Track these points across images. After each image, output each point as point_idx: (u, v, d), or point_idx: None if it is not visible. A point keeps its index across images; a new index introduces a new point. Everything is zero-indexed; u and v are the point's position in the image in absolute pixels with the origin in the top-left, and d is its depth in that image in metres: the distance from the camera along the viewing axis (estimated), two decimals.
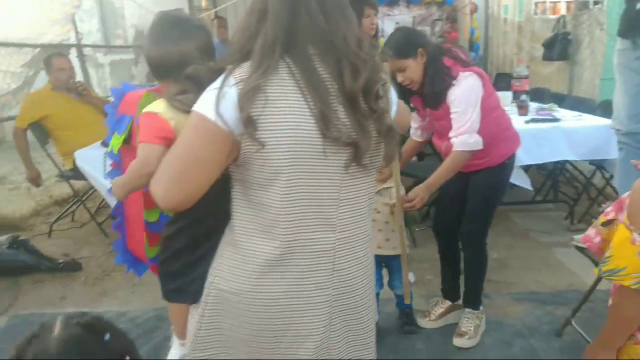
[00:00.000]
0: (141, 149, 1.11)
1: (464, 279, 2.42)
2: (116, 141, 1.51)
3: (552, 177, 4.08)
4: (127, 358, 0.73)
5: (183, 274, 1.15)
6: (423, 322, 2.44)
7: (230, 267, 1.08)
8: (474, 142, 2.01)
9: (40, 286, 2.98)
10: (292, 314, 1.08)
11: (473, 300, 2.37)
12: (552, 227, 3.72)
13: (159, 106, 1.12)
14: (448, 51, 2.06)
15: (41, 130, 3.61)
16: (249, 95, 0.96)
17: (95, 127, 3.61)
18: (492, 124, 2.10)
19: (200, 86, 1.04)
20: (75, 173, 3.60)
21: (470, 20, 6.23)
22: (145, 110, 1.14)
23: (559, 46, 4.58)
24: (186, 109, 1.05)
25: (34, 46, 4.23)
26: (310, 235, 1.06)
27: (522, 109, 3.61)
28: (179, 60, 1.17)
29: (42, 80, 4.31)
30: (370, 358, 1.24)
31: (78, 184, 3.71)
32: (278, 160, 0.99)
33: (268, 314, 1.06)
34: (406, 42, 2.04)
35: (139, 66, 7.05)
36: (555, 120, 3.38)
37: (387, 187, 2.21)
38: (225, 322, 1.11)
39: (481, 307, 2.39)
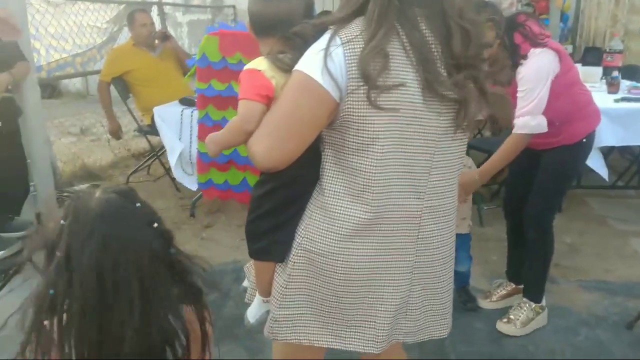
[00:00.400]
0: (242, 106, 1.09)
1: (526, 265, 2.30)
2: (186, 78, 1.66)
3: (638, 161, 3.80)
4: (155, 225, 0.83)
5: (271, 234, 1.17)
6: (483, 303, 2.40)
7: (318, 230, 1.11)
8: (536, 124, 1.90)
9: None
10: (375, 277, 1.12)
11: (533, 291, 2.24)
12: (632, 215, 3.49)
13: (261, 64, 1.09)
14: (520, 25, 1.93)
15: (123, 84, 3.79)
16: (370, 56, 0.96)
17: (174, 85, 3.79)
18: (569, 101, 1.99)
19: (305, 45, 1.04)
20: (153, 128, 3.79)
21: None
22: (247, 66, 1.11)
23: None
24: (288, 69, 1.05)
25: (119, 2, 4.41)
26: (399, 201, 1.08)
27: (613, 87, 3.35)
28: (287, 17, 1.14)
29: (125, 36, 4.52)
30: (446, 329, 1.28)
31: (155, 139, 3.89)
32: (379, 124, 1.00)
33: (351, 276, 1.10)
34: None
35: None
36: None
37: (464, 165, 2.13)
38: (310, 281, 1.14)
39: (543, 302, 2.25)
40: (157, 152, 3.99)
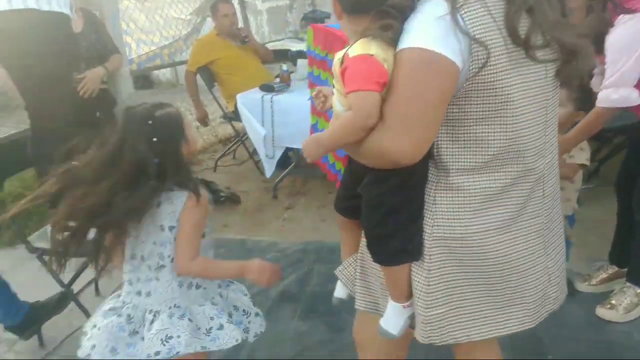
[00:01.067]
0: (361, 98, 0.94)
1: (632, 248, 2.11)
2: None
3: None
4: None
5: (402, 232, 1.06)
6: (582, 286, 2.24)
7: (450, 212, 1.04)
8: (619, 97, 1.72)
9: None
10: (516, 247, 1.07)
11: (638, 275, 2.08)
12: None
13: (369, 47, 0.95)
14: None
15: (208, 73, 3.94)
16: (517, 16, 0.92)
17: (255, 72, 3.89)
18: None
19: (403, 18, 0.95)
20: (237, 115, 3.92)
21: None
22: (355, 53, 0.96)
23: None
24: (395, 46, 0.95)
25: None
26: (527, 164, 1.04)
27: None
28: None
29: (208, 26, 4.69)
30: (565, 292, 1.25)
31: (239, 124, 4.02)
32: (510, 86, 0.96)
33: (495, 251, 1.05)
34: None
35: (293, 12, 7.25)
36: None
37: None
38: (453, 271, 1.07)
39: None
40: (242, 137, 4.13)
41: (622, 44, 1.71)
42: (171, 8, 4.22)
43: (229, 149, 4.45)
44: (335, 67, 1.03)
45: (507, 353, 1.57)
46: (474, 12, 0.91)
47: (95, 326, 1.33)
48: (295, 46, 4.84)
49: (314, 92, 1.30)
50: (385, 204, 1.06)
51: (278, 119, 3.13)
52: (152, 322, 1.30)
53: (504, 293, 1.09)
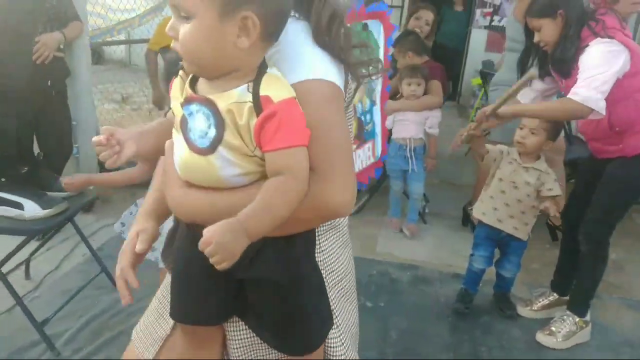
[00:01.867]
0: (298, 156, 0.74)
1: (576, 279, 2.21)
2: None
3: None
4: None
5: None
6: (523, 311, 2.32)
7: (334, 252, 0.98)
8: (590, 96, 1.76)
9: None
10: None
11: (579, 304, 2.16)
12: None
13: (286, 85, 0.76)
14: (593, 19, 1.86)
15: None
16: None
17: None
18: (633, 108, 1.88)
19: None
20: None
21: None
22: (278, 96, 0.73)
23: None
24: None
25: None
26: None
27: None
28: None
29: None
30: None
31: None
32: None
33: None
34: (548, 3, 1.90)
35: None
36: None
37: (537, 169, 2.08)
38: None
39: (588, 317, 2.17)
40: None
41: (595, 60, 1.79)
42: None
43: None
44: (233, 112, 0.73)
45: None
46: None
47: None
48: None
49: (102, 138, 0.85)
50: (311, 280, 0.88)
51: None
52: None
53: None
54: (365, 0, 2.13)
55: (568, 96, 1.82)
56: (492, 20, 6.67)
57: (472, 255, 2.27)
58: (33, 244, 2.21)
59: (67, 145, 2.77)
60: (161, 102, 3.89)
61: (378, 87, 2.13)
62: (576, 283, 2.19)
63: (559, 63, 1.93)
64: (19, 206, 1.82)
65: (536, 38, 1.96)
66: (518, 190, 2.10)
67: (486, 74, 4.63)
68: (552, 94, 2.22)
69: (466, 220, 3.18)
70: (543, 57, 2.02)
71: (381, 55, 2.05)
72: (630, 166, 1.96)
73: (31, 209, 1.82)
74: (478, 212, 2.22)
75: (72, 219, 2.02)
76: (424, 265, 2.69)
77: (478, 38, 6.83)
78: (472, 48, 6.86)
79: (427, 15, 3.56)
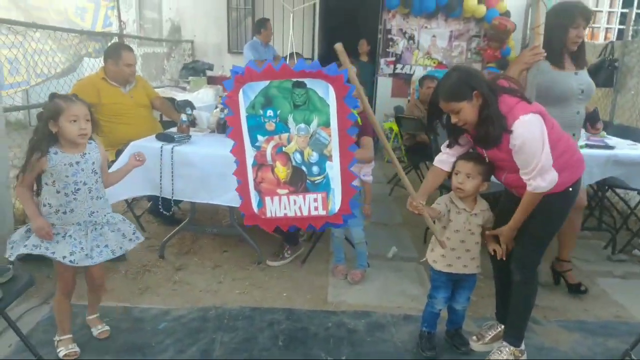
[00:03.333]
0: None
1: (510, 308, 2.31)
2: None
3: (592, 205, 4.04)
4: None
5: None
6: (475, 345, 2.39)
7: None
8: (548, 184, 1.97)
9: (80, 276, 2.92)
10: None
11: (513, 334, 2.25)
12: (592, 255, 3.67)
13: None
14: (505, 89, 2.01)
15: None
16: None
17: (144, 122, 3.63)
18: (556, 155, 2.03)
19: None
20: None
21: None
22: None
23: (605, 73, 4.53)
24: None
25: (80, 32, 4.21)
26: None
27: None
28: None
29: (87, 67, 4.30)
30: None
31: None
32: None
33: None
34: (461, 85, 1.98)
35: (171, 60, 7.05)
36: (609, 147, 3.33)
37: (482, 210, 2.23)
38: None
39: (523, 347, 2.27)
40: None
41: (533, 140, 1.92)
42: (47, 43, 3.79)
43: None
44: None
45: None
46: None
47: None
48: (180, 95, 4.67)
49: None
50: None
51: (179, 171, 2.92)
52: None
53: None
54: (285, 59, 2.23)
55: (532, 192, 2.00)
56: (395, 68, 7.15)
57: (433, 298, 2.31)
58: None
59: None
60: None
61: (333, 144, 2.16)
62: (509, 313, 2.28)
63: (484, 141, 2.02)
64: None
65: (454, 119, 2.03)
66: (474, 235, 2.22)
67: (401, 119, 4.90)
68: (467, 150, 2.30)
69: None
70: (451, 128, 2.13)
71: (332, 114, 2.10)
72: (559, 200, 2.11)
73: None
74: (442, 266, 2.24)
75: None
76: (376, 310, 2.71)
77: (384, 85, 7.28)
78: (379, 94, 7.29)
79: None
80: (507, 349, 2.23)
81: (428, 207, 2.17)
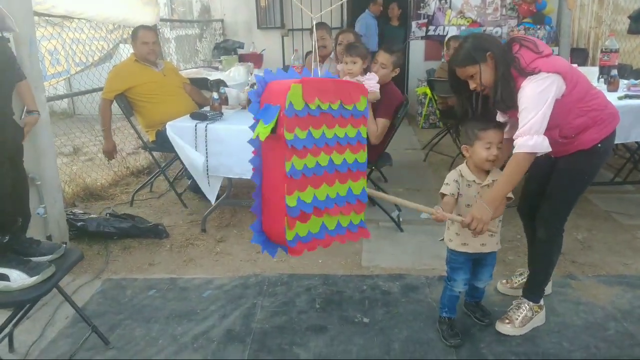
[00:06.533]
0: None
1: (530, 265, 2.32)
2: (263, 129, 1.54)
3: (635, 158, 3.90)
4: None
5: None
6: (503, 288, 2.48)
7: None
8: (535, 144, 1.87)
9: (128, 252, 3.14)
10: None
11: (533, 290, 2.26)
12: (634, 209, 3.57)
13: None
14: (512, 59, 1.94)
15: (126, 102, 3.73)
16: None
17: (178, 100, 3.77)
18: (579, 114, 2.00)
19: None
20: (158, 145, 3.74)
21: None
22: None
23: None
24: None
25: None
26: None
27: (613, 85, 3.43)
28: None
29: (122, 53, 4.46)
30: None
31: (158, 155, 3.85)
32: None
33: None
34: (474, 48, 1.97)
35: (203, 41, 7.16)
36: None
37: (494, 181, 2.04)
38: None
39: (541, 302, 2.27)
40: (163, 168, 3.94)
41: (533, 98, 1.88)
42: (82, 33, 3.95)
43: (148, 181, 4.22)
44: None
45: None
46: None
47: None
48: (212, 74, 4.77)
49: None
50: None
51: (213, 148, 3.04)
52: None
53: None
54: None
55: (515, 151, 1.90)
56: (427, 31, 6.98)
57: (451, 280, 2.18)
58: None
59: (27, 207, 2.66)
60: (112, 152, 3.82)
61: None
62: (531, 270, 2.29)
63: (501, 103, 1.98)
64: (4, 277, 1.75)
65: (472, 86, 2.02)
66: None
67: (433, 82, 4.83)
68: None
69: None
70: (483, 102, 2.08)
71: None
72: (586, 158, 2.07)
73: (18, 279, 1.75)
74: (457, 245, 2.13)
75: (58, 284, 1.95)
76: (410, 273, 2.76)
77: (416, 49, 7.13)
78: (412, 59, 7.16)
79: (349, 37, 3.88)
80: (525, 305, 2.24)
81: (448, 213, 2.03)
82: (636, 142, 3.74)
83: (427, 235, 3.22)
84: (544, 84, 1.88)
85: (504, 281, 2.51)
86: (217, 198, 3.53)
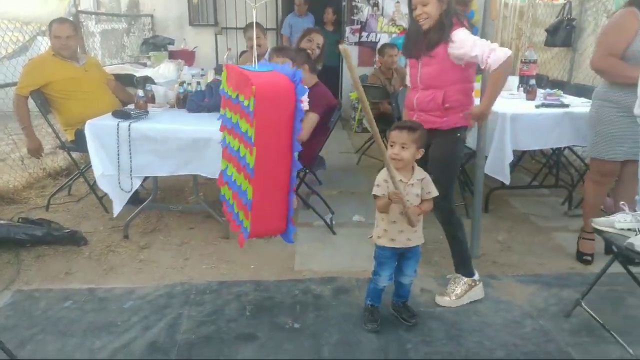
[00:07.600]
0: None
1: (449, 247, 2.56)
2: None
3: (550, 163, 4.16)
4: None
5: None
6: (442, 301, 2.48)
7: None
8: (502, 53, 2.22)
9: (42, 261, 2.92)
10: None
11: (459, 267, 2.53)
12: (549, 211, 3.80)
13: None
14: (460, 15, 2.35)
15: (42, 98, 3.47)
16: None
17: (100, 98, 3.55)
18: (462, 92, 2.40)
19: None
20: (77, 145, 3.51)
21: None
22: None
23: (563, 32, 4.59)
24: None
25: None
26: None
27: (531, 94, 3.64)
28: None
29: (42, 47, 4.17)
30: None
31: (78, 156, 3.62)
32: None
33: None
34: None
35: (130, 36, 6.84)
36: (564, 105, 3.42)
37: (419, 179, 2.14)
38: None
39: (475, 277, 2.52)
40: (82, 170, 3.71)
41: (468, 36, 2.29)
42: None
43: (65, 183, 3.95)
44: None
45: None
46: None
47: None
48: (140, 71, 4.56)
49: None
50: None
51: (137, 147, 2.89)
52: None
53: None
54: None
55: (493, 69, 2.24)
56: (360, 37, 7.09)
57: (377, 275, 2.25)
58: None
59: None
60: (38, 151, 3.55)
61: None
62: (452, 252, 2.56)
63: (434, 35, 2.31)
64: None
65: (418, 11, 2.30)
66: (412, 205, 2.13)
67: (366, 88, 4.90)
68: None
69: None
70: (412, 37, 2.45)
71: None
72: (447, 144, 2.43)
73: None
74: (386, 241, 2.18)
75: None
76: (342, 275, 2.77)
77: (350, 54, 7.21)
78: (346, 64, 7.23)
79: (319, 39, 3.76)
80: (459, 279, 2.50)
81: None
82: (551, 149, 3.99)
83: (359, 238, 3.25)
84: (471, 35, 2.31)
85: (442, 296, 2.50)
86: (142, 202, 3.37)
